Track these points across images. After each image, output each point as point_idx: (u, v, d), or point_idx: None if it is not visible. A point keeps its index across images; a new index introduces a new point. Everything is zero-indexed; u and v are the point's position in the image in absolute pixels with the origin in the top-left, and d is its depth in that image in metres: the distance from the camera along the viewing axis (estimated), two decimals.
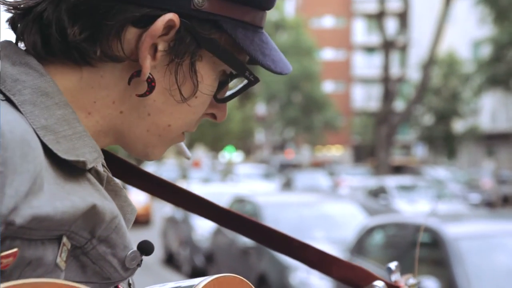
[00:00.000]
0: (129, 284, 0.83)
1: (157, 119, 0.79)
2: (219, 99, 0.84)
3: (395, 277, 1.06)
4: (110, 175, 0.84)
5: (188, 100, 0.79)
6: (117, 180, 0.84)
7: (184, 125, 0.82)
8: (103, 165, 0.84)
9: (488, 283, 4.74)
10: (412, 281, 1.08)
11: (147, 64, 0.75)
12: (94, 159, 0.73)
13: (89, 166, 0.72)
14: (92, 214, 0.69)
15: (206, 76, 0.80)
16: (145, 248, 0.77)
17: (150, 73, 0.76)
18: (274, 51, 0.83)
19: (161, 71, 0.77)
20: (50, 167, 0.68)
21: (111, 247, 0.72)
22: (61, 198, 0.66)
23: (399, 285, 1.05)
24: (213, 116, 0.86)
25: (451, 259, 4.88)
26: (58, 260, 0.67)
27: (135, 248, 0.77)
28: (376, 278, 1.02)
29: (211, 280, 0.72)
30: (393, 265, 1.07)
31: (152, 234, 13.93)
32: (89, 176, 0.73)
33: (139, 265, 0.76)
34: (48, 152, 0.68)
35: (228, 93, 0.86)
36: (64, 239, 0.68)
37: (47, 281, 0.58)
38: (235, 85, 0.86)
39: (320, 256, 1.02)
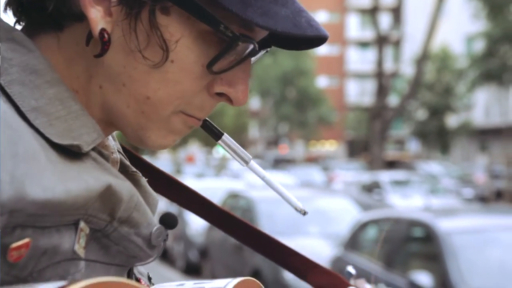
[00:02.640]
0: (149, 278, 0.80)
1: (133, 91, 0.68)
2: (213, 71, 0.69)
3: (355, 282, 1.03)
4: (128, 162, 0.78)
5: (161, 65, 0.67)
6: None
7: (169, 99, 0.69)
8: (119, 152, 0.78)
9: (481, 277, 4.76)
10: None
11: (92, 15, 0.65)
12: (93, 140, 0.66)
13: (86, 149, 0.65)
14: (108, 195, 0.64)
15: (179, 34, 0.67)
16: (169, 221, 0.72)
17: (105, 30, 0.66)
18: (277, 5, 0.67)
19: (123, 30, 0.67)
20: (51, 148, 0.62)
21: (134, 227, 0.68)
22: (73, 178, 0.60)
23: None
24: (228, 98, 0.72)
25: (444, 253, 4.90)
26: (76, 247, 0.62)
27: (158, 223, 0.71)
28: (349, 285, 0.97)
29: (237, 284, 0.67)
30: (351, 269, 1.01)
31: None
32: (95, 155, 0.67)
33: (165, 240, 0.72)
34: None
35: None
36: (82, 224, 0.62)
37: (115, 280, 0.54)
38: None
39: (302, 261, 0.95)
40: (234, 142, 0.77)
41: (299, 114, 39.84)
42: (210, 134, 0.77)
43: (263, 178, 0.77)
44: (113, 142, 0.78)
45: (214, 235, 9.32)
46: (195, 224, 10.55)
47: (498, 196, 20.54)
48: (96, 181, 0.62)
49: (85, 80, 0.69)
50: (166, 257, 12.06)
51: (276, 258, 0.95)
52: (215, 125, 0.77)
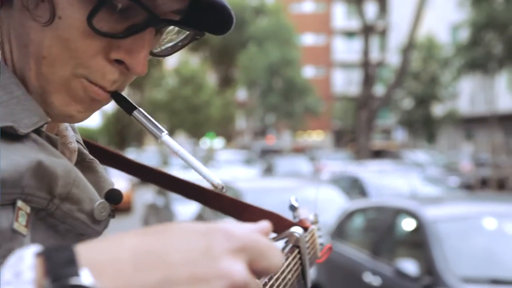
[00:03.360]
0: None
1: (32, 51, 0.70)
2: (98, 30, 0.70)
3: (299, 214, 1.05)
4: (86, 151, 0.81)
5: (50, 22, 0.69)
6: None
7: (63, 58, 0.70)
8: (78, 142, 0.81)
9: (465, 264, 4.81)
10: (312, 217, 1.07)
11: None
12: (34, 123, 0.67)
13: (24, 131, 0.66)
14: (41, 172, 0.64)
15: None
16: (113, 196, 0.73)
17: None
18: None
19: None
20: None
21: (76, 203, 0.69)
22: None
23: (307, 225, 1.04)
24: (127, 67, 0.73)
25: (430, 241, 4.94)
26: (16, 225, 0.62)
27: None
28: (288, 222, 1.01)
29: None
30: (295, 201, 1.04)
31: (133, 222, 13.91)
32: (36, 137, 0.68)
33: (111, 215, 0.73)
34: None
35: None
36: (19, 203, 0.63)
37: None
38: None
39: (233, 203, 1.02)
40: (148, 116, 0.77)
41: (286, 104, 39.86)
42: (123, 107, 0.77)
43: (177, 152, 0.77)
44: (72, 133, 0.81)
45: None
46: (182, 215, 10.55)
47: (483, 184, 20.69)
48: (23, 159, 0.63)
49: (7, 48, 0.72)
50: None
51: (213, 205, 1.01)
52: (128, 99, 0.77)
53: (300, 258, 0.99)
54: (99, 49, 0.71)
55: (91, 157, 0.79)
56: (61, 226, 0.68)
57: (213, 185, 0.78)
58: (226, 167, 22.31)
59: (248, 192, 8.58)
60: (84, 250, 0.47)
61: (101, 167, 0.78)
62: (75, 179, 0.69)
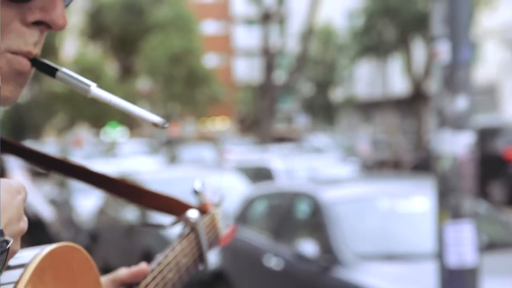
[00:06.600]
0: None
1: None
2: None
3: (203, 198, 1.08)
4: None
5: None
6: None
7: None
8: None
9: (361, 242, 5.00)
10: (216, 199, 1.10)
11: None
12: None
13: None
14: None
15: None
16: None
17: None
18: None
19: None
20: None
21: None
22: None
23: (206, 209, 1.07)
24: (47, 26, 0.72)
25: (327, 222, 5.09)
26: None
27: None
28: (187, 206, 1.04)
29: (45, 256, 0.67)
30: (198, 185, 1.07)
31: None
32: None
33: None
34: None
35: None
36: None
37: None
38: None
39: (132, 189, 1.03)
40: (73, 73, 0.76)
41: (189, 93, 39.61)
42: (45, 72, 0.75)
43: (110, 102, 0.78)
44: None
45: (104, 219, 9.15)
46: (83, 209, 10.31)
47: (381, 165, 21.49)
48: None
49: None
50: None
51: (113, 191, 1.01)
52: (48, 62, 0.75)
53: (198, 243, 1.01)
54: (13, 16, 0.68)
55: None
56: None
57: (154, 123, 0.77)
58: (129, 158, 21.93)
59: (151, 183, 8.49)
60: None
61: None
62: None
